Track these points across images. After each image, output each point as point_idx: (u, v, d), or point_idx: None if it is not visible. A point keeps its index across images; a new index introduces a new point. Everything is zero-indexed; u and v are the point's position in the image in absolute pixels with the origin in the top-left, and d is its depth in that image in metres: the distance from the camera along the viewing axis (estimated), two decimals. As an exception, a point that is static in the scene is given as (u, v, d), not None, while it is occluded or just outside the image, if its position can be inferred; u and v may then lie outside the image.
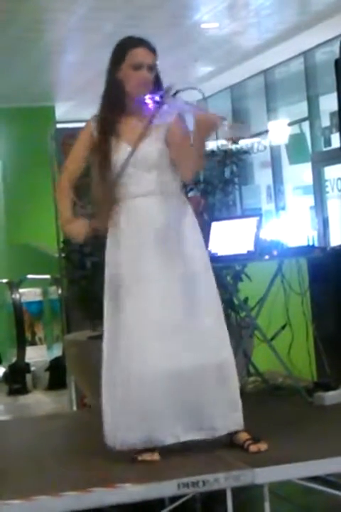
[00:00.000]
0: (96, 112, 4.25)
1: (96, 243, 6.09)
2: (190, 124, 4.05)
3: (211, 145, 5.85)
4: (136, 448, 4.05)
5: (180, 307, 4.09)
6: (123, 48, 4.18)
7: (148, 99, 4.02)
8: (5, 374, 9.79)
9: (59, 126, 8.09)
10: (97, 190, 4.19)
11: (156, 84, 4.17)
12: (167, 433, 4.05)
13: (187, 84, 4.16)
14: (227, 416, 4.12)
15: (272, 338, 5.66)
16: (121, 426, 4.06)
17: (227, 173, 6.12)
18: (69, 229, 4.32)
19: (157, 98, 4.01)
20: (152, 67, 4.17)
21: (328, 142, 12.68)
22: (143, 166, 4.11)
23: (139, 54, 4.15)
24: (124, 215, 4.15)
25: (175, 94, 4.20)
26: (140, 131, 4.08)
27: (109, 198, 4.15)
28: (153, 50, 4.19)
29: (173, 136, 4.13)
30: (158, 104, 4.01)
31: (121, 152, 4.11)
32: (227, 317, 5.84)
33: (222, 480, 3.76)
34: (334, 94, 5.91)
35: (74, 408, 6.98)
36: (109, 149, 4.12)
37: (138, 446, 4.04)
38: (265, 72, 13.61)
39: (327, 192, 12.65)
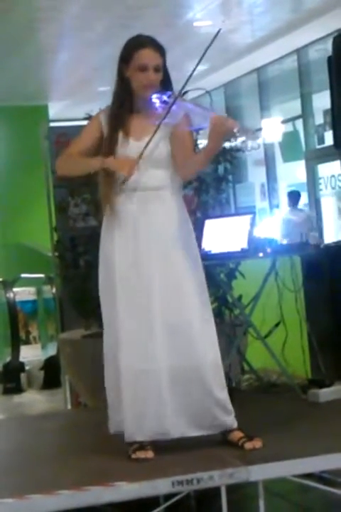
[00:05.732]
0: (106, 105, 4.23)
1: (89, 242, 6.13)
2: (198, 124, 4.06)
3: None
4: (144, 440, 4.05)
5: (169, 305, 4.08)
6: (130, 49, 4.14)
7: (155, 98, 4.02)
8: (-1, 373, 9.80)
9: (52, 125, 8.06)
10: (101, 182, 4.17)
11: (166, 82, 4.14)
12: (170, 426, 4.03)
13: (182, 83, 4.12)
14: (221, 416, 4.12)
15: (266, 336, 5.66)
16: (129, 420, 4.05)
17: (221, 171, 6.13)
18: (113, 163, 4.04)
19: (165, 98, 4.00)
20: (158, 68, 4.12)
21: (322, 140, 12.71)
22: (150, 163, 4.09)
23: (145, 55, 4.10)
24: (123, 207, 4.13)
25: (184, 94, 4.19)
26: (148, 129, 4.07)
27: (112, 190, 4.13)
28: (160, 50, 4.13)
29: (179, 136, 4.12)
30: (166, 104, 4.00)
31: (128, 148, 4.11)
32: (221, 315, 5.87)
33: (216, 477, 3.76)
34: (328, 92, 5.92)
35: (69, 407, 6.98)
36: (116, 144, 4.12)
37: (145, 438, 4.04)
38: (258, 70, 13.63)
39: (321, 189, 12.68)
